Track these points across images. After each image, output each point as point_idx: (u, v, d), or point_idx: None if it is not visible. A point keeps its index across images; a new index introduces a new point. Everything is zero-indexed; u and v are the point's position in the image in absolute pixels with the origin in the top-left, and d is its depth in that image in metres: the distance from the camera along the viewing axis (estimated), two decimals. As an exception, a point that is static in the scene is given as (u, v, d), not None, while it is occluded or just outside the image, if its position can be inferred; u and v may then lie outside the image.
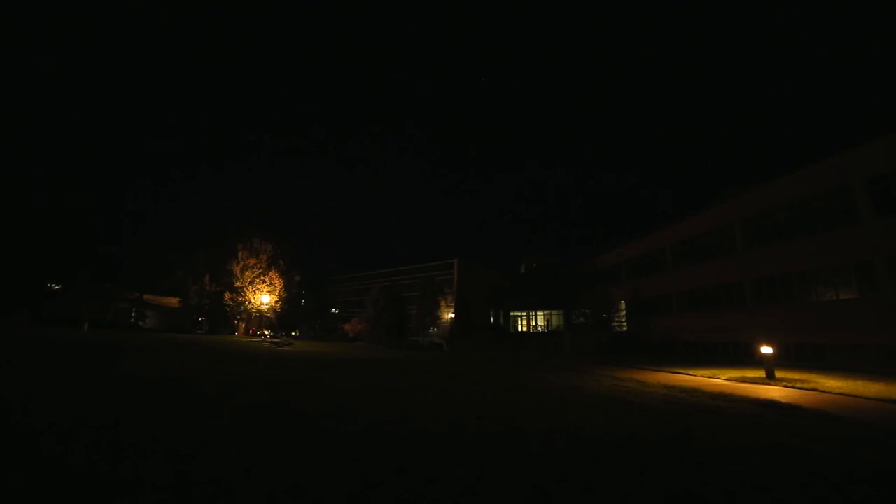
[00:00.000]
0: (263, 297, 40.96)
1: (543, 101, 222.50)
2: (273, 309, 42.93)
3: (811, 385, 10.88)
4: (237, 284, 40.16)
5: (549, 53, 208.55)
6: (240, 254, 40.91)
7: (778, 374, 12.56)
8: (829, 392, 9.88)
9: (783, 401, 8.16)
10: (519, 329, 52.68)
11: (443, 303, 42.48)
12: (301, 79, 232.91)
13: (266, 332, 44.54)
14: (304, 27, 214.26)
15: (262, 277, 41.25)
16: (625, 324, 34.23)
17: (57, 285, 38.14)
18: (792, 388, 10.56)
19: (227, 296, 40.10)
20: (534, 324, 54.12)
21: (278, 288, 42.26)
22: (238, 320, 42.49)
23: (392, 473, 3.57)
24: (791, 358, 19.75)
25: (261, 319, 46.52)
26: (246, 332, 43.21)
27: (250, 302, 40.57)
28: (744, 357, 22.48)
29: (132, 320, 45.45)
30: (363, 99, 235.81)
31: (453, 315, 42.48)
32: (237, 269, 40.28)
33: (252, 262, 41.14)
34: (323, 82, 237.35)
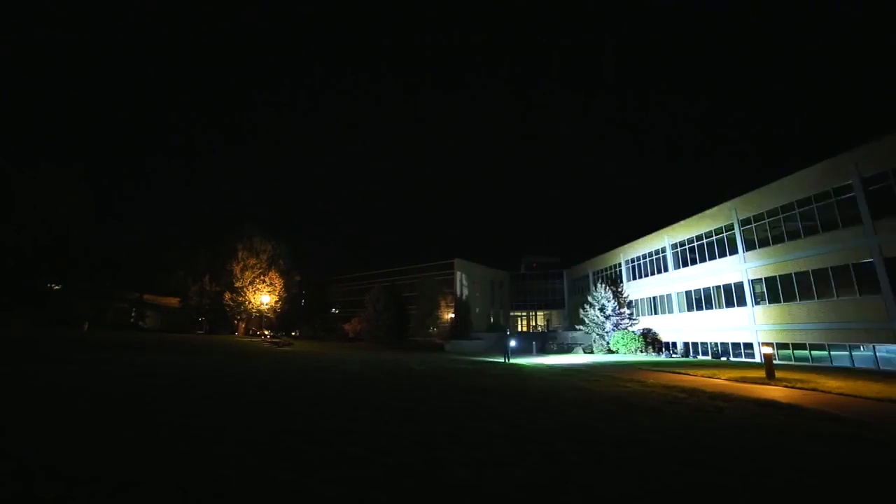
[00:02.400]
0: (263, 297, 40.97)
1: (544, 100, 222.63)
2: (273, 309, 42.94)
3: (811, 385, 10.87)
4: (237, 284, 40.16)
5: (549, 53, 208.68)
6: (240, 254, 40.92)
7: (778, 374, 12.55)
8: (829, 392, 9.87)
9: (783, 401, 8.16)
10: (519, 329, 52.72)
11: (443, 303, 42.48)
12: (301, 80, 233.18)
13: (266, 332, 44.54)
14: (306, 30, 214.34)
15: (262, 277, 41.26)
16: (625, 324, 34.24)
17: (57, 285, 38.11)
18: (792, 388, 10.56)
19: (227, 296, 40.10)
20: (534, 324, 54.16)
21: (278, 288, 42.27)
22: (238, 320, 42.49)
23: (391, 473, 3.57)
24: (791, 358, 19.78)
25: (261, 319, 46.53)
26: (246, 332, 43.21)
27: (250, 302, 40.58)
28: (744, 357, 22.51)
29: (132, 320, 45.42)
30: (362, 99, 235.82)
31: (453, 315, 42.50)
32: (237, 269, 40.29)
33: (252, 261, 41.15)
34: (323, 83, 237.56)
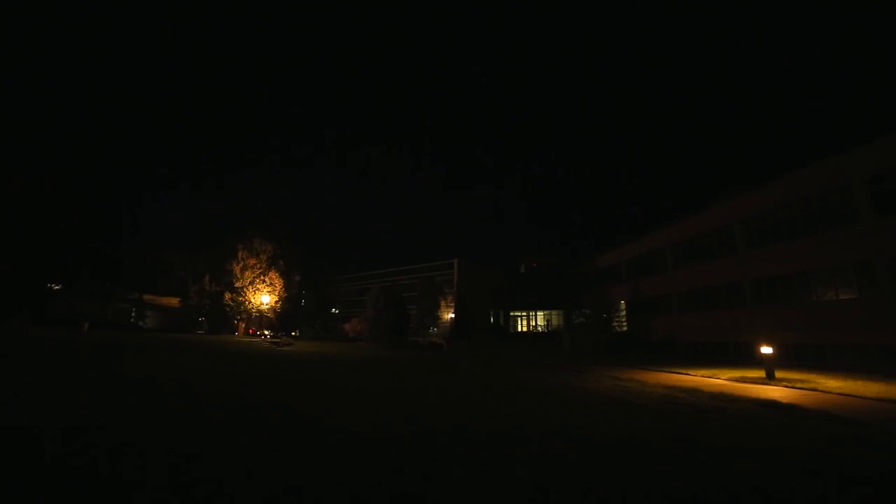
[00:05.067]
0: (263, 297, 40.94)
1: (545, 101, 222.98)
2: (273, 309, 42.90)
3: (811, 385, 10.86)
4: (237, 284, 40.14)
5: (549, 53, 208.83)
6: (240, 254, 40.89)
7: (778, 374, 12.53)
8: (829, 392, 9.86)
9: (783, 401, 8.14)
10: (519, 329, 52.66)
11: (443, 303, 42.48)
12: (302, 83, 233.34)
13: (266, 332, 44.51)
14: (307, 29, 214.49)
15: (262, 277, 41.22)
16: (625, 324, 34.20)
17: (57, 285, 38.09)
18: (792, 388, 10.54)
19: (227, 296, 40.09)
20: (534, 324, 54.03)
21: (278, 288, 42.23)
22: (238, 320, 42.48)
23: (391, 473, 3.56)
24: (791, 358, 19.72)
25: (261, 319, 46.50)
26: (246, 332, 43.19)
27: (250, 302, 40.55)
28: (744, 357, 22.47)
29: (132, 320, 45.45)
30: (365, 101, 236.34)
31: (453, 315, 42.49)
32: (237, 269, 40.26)
33: (252, 262, 41.11)
34: (324, 86, 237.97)
